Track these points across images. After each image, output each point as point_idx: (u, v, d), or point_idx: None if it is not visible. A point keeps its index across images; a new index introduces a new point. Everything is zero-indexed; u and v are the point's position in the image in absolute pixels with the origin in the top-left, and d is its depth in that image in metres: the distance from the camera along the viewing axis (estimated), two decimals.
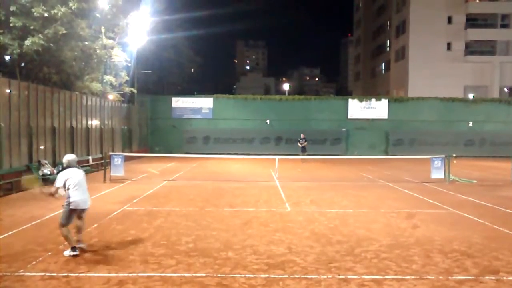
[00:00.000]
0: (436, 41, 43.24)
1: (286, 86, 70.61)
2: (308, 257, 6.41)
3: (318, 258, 6.37)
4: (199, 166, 22.07)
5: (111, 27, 21.70)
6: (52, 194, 6.61)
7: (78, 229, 6.78)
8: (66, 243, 7.07)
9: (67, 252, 6.46)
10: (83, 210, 6.77)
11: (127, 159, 18.06)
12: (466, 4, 43.59)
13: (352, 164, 22.87)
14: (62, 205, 6.66)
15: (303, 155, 23.90)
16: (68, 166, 6.75)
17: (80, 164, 17.40)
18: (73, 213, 6.61)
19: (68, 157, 6.87)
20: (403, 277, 5.62)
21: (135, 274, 5.61)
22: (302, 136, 25.31)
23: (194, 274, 5.65)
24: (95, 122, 20.92)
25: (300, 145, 24.89)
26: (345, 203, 11.30)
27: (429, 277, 5.63)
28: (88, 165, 18.39)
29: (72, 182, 6.55)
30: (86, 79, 20.37)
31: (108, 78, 23.65)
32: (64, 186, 6.55)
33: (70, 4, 16.36)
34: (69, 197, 6.54)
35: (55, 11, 15.75)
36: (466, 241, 7.44)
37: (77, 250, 6.49)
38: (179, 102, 31.30)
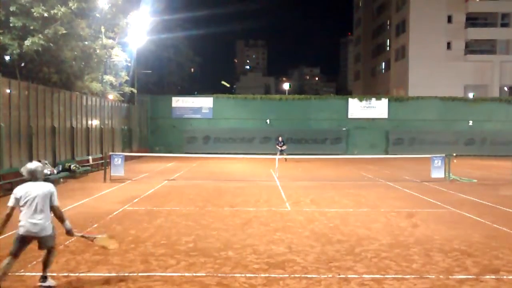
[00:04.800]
0: (436, 40, 43.21)
1: (286, 86, 70.56)
2: (308, 257, 6.40)
3: (318, 258, 6.37)
4: (199, 165, 22.07)
5: (111, 27, 21.70)
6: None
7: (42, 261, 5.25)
8: (66, 243, 7.01)
9: None
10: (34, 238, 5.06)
11: (127, 159, 18.07)
12: (466, 3, 43.55)
13: (352, 164, 22.85)
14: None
15: (281, 154, 22.35)
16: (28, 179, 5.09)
17: (81, 164, 17.47)
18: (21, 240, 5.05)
19: (28, 166, 5.12)
20: (403, 276, 5.61)
21: (135, 274, 5.61)
22: (280, 139, 24.46)
23: (194, 274, 5.64)
24: (95, 122, 20.91)
25: (280, 148, 23.68)
26: (345, 202, 11.30)
27: (429, 276, 5.62)
28: (88, 165, 18.40)
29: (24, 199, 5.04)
30: (86, 79, 20.35)
31: (108, 78, 23.64)
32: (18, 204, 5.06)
33: (70, 4, 16.35)
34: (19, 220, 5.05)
35: (55, 11, 15.74)
36: (466, 240, 7.44)
37: None
38: (179, 102, 31.33)
